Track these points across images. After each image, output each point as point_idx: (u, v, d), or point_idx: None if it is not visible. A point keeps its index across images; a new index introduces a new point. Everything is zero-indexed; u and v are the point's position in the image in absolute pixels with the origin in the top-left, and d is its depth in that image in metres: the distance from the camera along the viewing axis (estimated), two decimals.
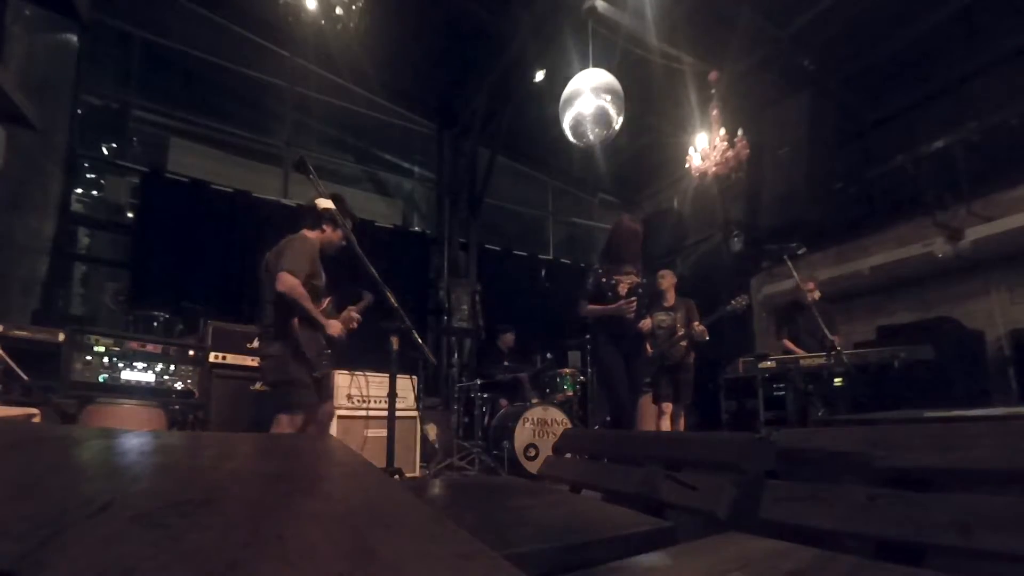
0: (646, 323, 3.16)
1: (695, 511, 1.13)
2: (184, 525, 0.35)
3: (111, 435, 0.91)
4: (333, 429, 3.49)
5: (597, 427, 4.70)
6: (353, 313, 2.70)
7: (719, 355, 5.13)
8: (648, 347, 4.03)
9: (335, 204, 2.54)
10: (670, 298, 4.18)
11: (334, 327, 2.49)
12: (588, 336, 3.39)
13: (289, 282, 2.33)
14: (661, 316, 4.12)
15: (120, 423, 2.78)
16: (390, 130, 6.99)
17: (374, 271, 2.36)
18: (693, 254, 7.57)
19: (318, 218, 2.62)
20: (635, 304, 3.08)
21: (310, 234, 2.59)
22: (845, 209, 5.78)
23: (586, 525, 1.04)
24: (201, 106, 5.72)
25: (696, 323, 3.92)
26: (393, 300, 2.35)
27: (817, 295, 4.31)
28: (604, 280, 3.17)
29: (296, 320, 2.40)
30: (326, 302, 2.63)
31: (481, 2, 5.39)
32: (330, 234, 2.64)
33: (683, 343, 3.98)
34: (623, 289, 3.16)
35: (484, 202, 6.97)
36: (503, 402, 4.87)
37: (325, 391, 2.67)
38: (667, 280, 4.21)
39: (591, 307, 3.16)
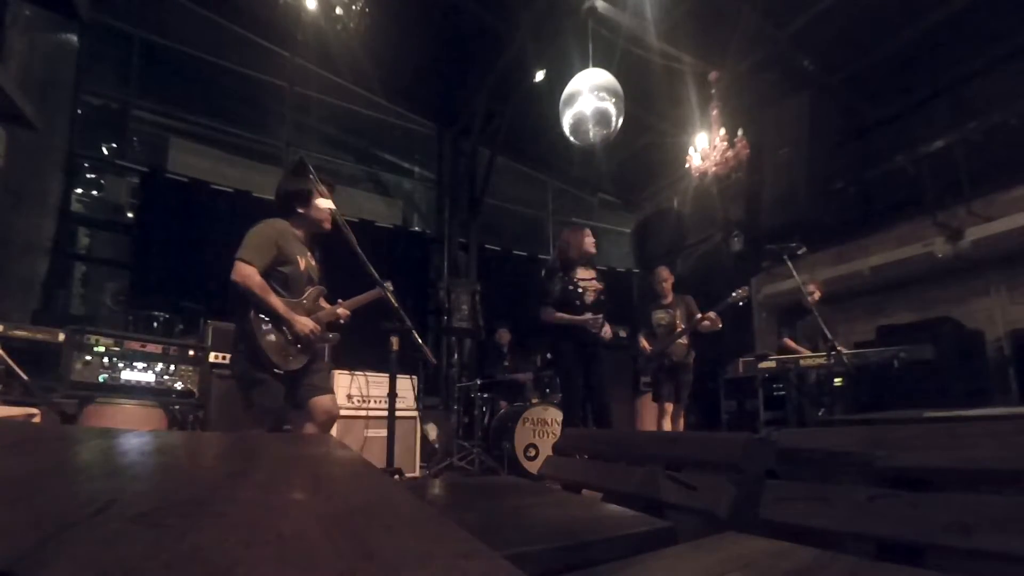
0: (607, 332, 3.21)
1: (695, 511, 1.13)
2: (184, 525, 0.35)
3: (111, 435, 0.91)
4: (333, 429, 3.49)
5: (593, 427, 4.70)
6: (340, 310, 2.47)
7: (719, 355, 5.14)
8: (647, 345, 4.03)
9: (298, 172, 2.33)
10: (668, 296, 4.16)
11: (302, 325, 2.22)
12: (550, 340, 3.39)
13: (242, 271, 2.14)
14: (660, 314, 4.11)
15: (120, 423, 2.78)
16: (390, 130, 6.99)
17: (374, 271, 2.37)
18: (693, 254, 7.57)
19: (286, 202, 2.36)
20: (602, 319, 3.14)
21: (279, 220, 2.35)
22: (845, 209, 5.78)
23: (586, 525, 1.04)
24: (201, 106, 5.72)
25: (708, 313, 3.87)
26: (393, 300, 2.36)
27: (817, 296, 4.31)
28: (571, 288, 3.21)
29: (254, 313, 2.17)
30: (309, 292, 2.39)
31: (481, 2, 5.39)
32: (306, 213, 2.37)
33: (684, 340, 3.97)
34: (590, 297, 3.21)
35: (484, 202, 6.98)
36: (503, 402, 4.87)
37: (312, 390, 2.33)
38: (664, 277, 4.20)
39: (559, 315, 3.19)
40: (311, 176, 2.35)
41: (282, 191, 2.39)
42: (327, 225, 2.41)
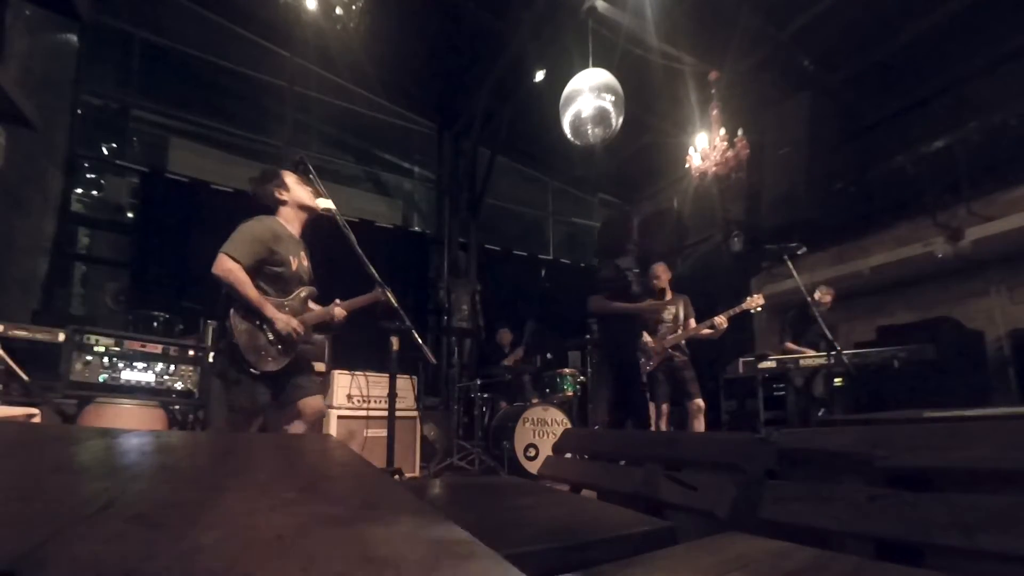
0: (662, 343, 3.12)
1: (695, 511, 1.13)
2: (184, 525, 0.35)
3: (111, 435, 0.91)
4: (333, 429, 3.49)
5: (597, 427, 4.69)
6: (336, 310, 2.40)
7: (719, 355, 5.13)
8: (652, 342, 3.98)
9: (268, 177, 2.29)
10: (668, 292, 4.13)
11: (282, 322, 2.15)
12: (610, 331, 3.24)
13: (224, 264, 2.06)
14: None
15: (120, 423, 2.78)
16: (390, 130, 6.99)
17: (374, 271, 2.37)
18: (693, 254, 7.58)
19: (266, 190, 2.30)
20: (664, 305, 3.06)
21: (271, 218, 2.29)
22: (845, 209, 5.78)
23: (586, 525, 1.04)
24: (201, 106, 5.72)
25: (716, 318, 3.83)
26: (393, 300, 2.35)
27: (828, 300, 4.29)
28: (618, 276, 3.13)
29: (234, 310, 2.11)
30: (297, 293, 2.32)
31: (481, 2, 5.39)
32: (289, 200, 2.32)
33: (682, 340, 3.93)
34: (636, 288, 3.14)
35: (484, 202, 6.98)
36: (503, 402, 4.87)
37: (300, 390, 2.28)
38: (659, 273, 4.16)
39: (617, 304, 3.06)
40: (311, 176, 2.34)
41: (260, 192, 2.33)
42: (314, 202, 2.36)
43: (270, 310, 2.14)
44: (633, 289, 3.10)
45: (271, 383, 2.19)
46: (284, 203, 2.33)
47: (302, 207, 2.36)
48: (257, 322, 2.14)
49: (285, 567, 0.29)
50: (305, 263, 2.39)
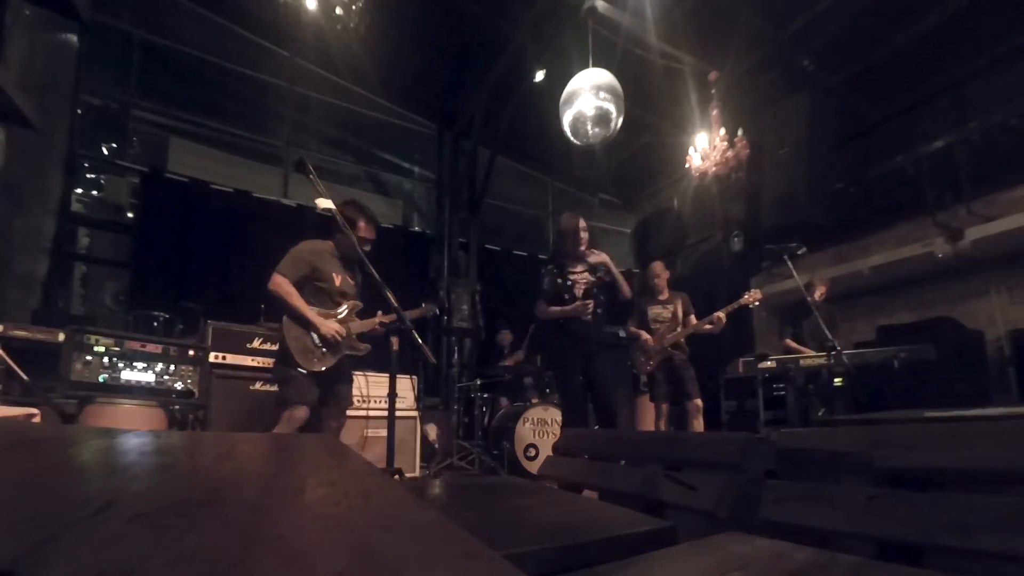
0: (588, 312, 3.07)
1: (695, 511, 1.13)
2: (184, 525, 0.35)
3: (111, 435, 0.91)
4: None
5: (596, 427, 4.69)
6: (377, 321, 2.75)
7: (719, 355, 5.13)
8: (651, 340, 3.97)
9: (350, 210, 2.64)
10: (665, 291, 4.13)
11: (326, 327, 2.51)
12: (546, 337, 3.28)
13: (275, 281, 2.49)
14: (658, 310, 4.06)
15: (120, 423, 2.78)
16: (390, 130, 6.99)
17: (374, 271, 2.37)
18: (693, 254, 7.58)
19: (329, 226, 2.70)
20: (592, 305, 3.05)
21: (321, 241, 2.68)
22: (845, 209, 5.78)
23: (586, 525, 1.04)
24: (201, 106, 5.72)
25: (715, 314, 3.82)
26: (393, 300, 2.36)
27: (820, 296, 4.30)
28: (560, 280, 3.14)
29: (285, 318, 2.51)
30: (346, 306, 2.68)
31: (481, 2, 5.39)
32: (342, 239, 2.66)
33: (682, 338, 3.92)
34: (579, 290, 3.13)
35: (484, 202, 6.98)
36: (503, 402, 4.87)
37: (330, 411, 2.66)
38: (658, 272, 4.15)
39: (551, 309, 3.13)
40: (363, 211, 2.70)
41: (338, 219, 2.60)
42: (355, 252, 2.60)
43: (314, 316, 2.50)
44: (578, 294, 3.10)
45: (320, 382, 2.54)
46: (335, 238, 2.68)
47: (345, 249, 2.67)
48: (304, 327, 2.51)
49: (285, 567, 0.29)
50: (350, 280, 2.72)
